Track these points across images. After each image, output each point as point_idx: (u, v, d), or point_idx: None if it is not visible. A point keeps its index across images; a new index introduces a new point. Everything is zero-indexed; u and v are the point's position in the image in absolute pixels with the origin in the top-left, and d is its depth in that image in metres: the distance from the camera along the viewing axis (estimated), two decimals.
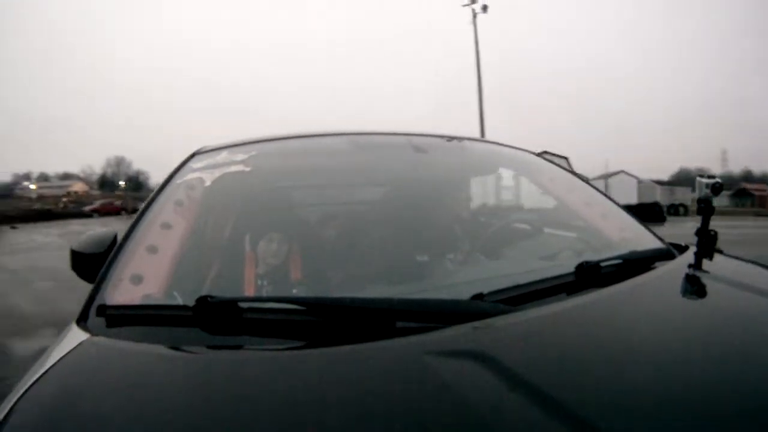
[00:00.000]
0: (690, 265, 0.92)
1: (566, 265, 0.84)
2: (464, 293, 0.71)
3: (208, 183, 1.05)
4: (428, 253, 1.00)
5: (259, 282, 0.98)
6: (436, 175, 1.27)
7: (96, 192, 49.65)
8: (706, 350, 0.61)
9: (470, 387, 0.50)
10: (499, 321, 0.64)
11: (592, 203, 1.26)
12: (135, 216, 0.97)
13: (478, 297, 0.70)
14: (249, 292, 0.95)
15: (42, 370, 0.60)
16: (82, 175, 58.88)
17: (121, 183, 50.07)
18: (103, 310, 0.71)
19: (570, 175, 1.39)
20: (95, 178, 58.22)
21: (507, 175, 1.49)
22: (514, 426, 0.45)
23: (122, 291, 0.77)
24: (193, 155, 1.19)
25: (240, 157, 1.13)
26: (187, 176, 1.08)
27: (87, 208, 28.73)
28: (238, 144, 1.23)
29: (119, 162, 57.09)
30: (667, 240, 1.12)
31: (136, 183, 53.17)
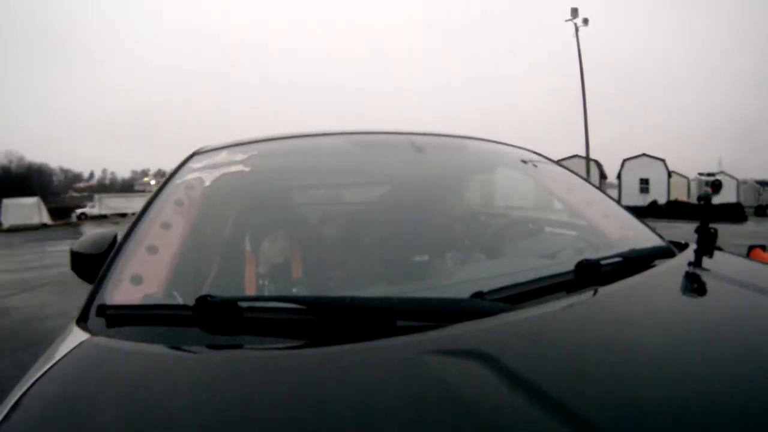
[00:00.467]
0: (690, 263, 0.92)
1: (566, 263, 0.83)
2: (464, 292, 0.71)
3: (207, 183, 1.05)
4: (428, 252, 1.00)
5: (259, 281, 0.98)
6: (436, 174, 1.26)
7: None
8: (707, 348, 0.61)
9: (470, 385, 0.50)
10: (500, 319, 0.64)
11: (592, 202, 1.26)
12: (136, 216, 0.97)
13: (478, 295, 0.69)
14: (249, 291, 0.95)
15: (42, 371, 0.60)
16: None
17: None
18: (103, 310, 0.70)
19: (571, 174, 1.39)
20: None
21: (507, 174, 1.49)
22: (514, 424, 0.45)
23: (122, 291, 0.77)
24: (192, 155, 1.19)
25: (239, 156, 1.13)
26: (187, 176, 1.08)
27: None
28: (237, 144, 1.23)
29: None
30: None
31: None
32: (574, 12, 18.52)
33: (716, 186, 1.05)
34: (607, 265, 0.83)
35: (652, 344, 0.61)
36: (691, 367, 0.55)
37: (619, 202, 1.32)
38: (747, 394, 0.50)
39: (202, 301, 0.64)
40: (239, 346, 0.65)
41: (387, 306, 0.66)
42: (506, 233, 1.18)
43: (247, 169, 1.10)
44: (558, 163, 1.44)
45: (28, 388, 0.56)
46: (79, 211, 29.81)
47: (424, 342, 0.59)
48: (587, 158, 18.35)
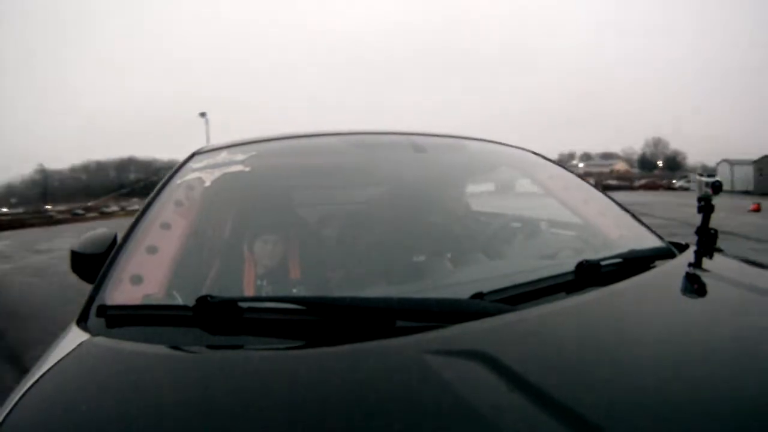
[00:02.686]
0: (690, 264, 0.92)
1: (566, 264, 0.83)
2: (464, 292, 0.71)
3: (207, 183, 1.05)
4: (428, 252, 1.00)
5: (259, 282, 0.98)
6: (435, 175, 1.26)
7: (635, 170, 52.86)
8: (706, 349, 0.61)
9: (470, 386, 0.50)
10: (499, 320, 0.64)
11: (592, 202, 1.26)
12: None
13: (478, 296, 0.70)
14: (249, 292, 0.95)
15: (42, 371, 0.60)
16: (622, 154, 61.47)
17: (659, 163, 53.89)
18: (103, 310, 0.70)
19: (570, 174, 1.39)
20: (636, 157, 59.97)
21: (507, 175, 1.49)
22: (513, 425, 0.45)
23: (122, 291, 0.77)
24: (192, 155, 1.19)
25: (240, 157, 1.13)
26: (187, 176, 1.08)
27: (636, 184, 37.36)
28: (237, 144, 1.23)
29: (657, 143, 58.26)
30: None
31: (673, 163, 53.33)
32: None
33: (716, 187, 1.05)
34: (607, 265, 0.83)
35: (652, 345, 0.61)
36: (691, 368, 0.55)
37: None
38: (747, 395, 0.50)
39: (203, 301, 0.64)
40: (239, 347, 0.65)
41: (387, 306, 0.66)
42: (506, 234, 1.18)
43: (247, 169, 1.09)
44: (558, 163, 1.44)
45: (29, 388, 0.56)
46: None
47: (424, 342, 0.59)
48: None
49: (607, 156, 62.47)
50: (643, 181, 37.96)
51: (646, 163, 56.74)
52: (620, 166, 56.26)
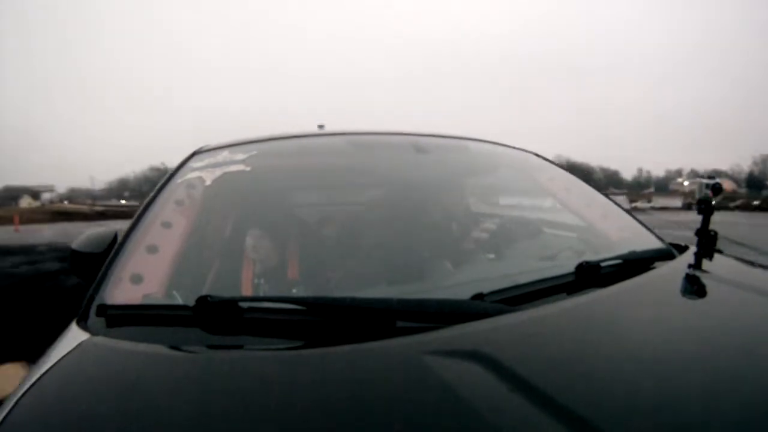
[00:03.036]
0: (690, 265, 0.92)
1: (566, 265, 0.83)
2: (464, 293, 0.71)
3: (208, 182, 1.05)
4: (428, 253, 1.00)
5: (259, 282, 0.98)
6: (436, 175, 1.27)
7: (742, 191, 48.61)
8: (707, 350, 0.61)
9: (470, 387, 0.50)
10: (499, 321, 0.64)
11: (592, 203, 1.26)
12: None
13: (478, 297, 0.69)
14: (249, 291, 0.95)
15: (42, 371, 0.60)
16: (730, 172, 57.28)
17: None
18: (103, 310, 0.70)
19: (570, 176, 1.39)
20: (743, 176, 55.76)
21: (507, 176, 1.49)
22: (514, 426, 0.45)
23: (122, 291, 0.77)
24: (193, 154, 1.19)
25: (240, 156, 1.13)
26: (188, 175, 1.08)
27: (731, 204, 34.25)
28: (238, 143, 1.23)
29: (766, 160, 53.26)
30: None
31: None
32: None
33: (716, 189, 1.06)
34: (607, 267, 0.83)
35: (651, 346, 0.61)
36: (691, 369, 0.55)
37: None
38: (747, 397, 0.50)
39: (203, 301, 0.64)
40: (239, 347, 0.65)
41: (387, 307, 0.66)
42: (506, 235, 1.18)
43: (248, 168, 1.09)
44: (558, 165, 1.44)
45: (29, 388, 0.56)
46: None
47: (424, 343, 0.59)
48: None
49: (715, 174, 60.55)
50: (738, 202, 36.42)
51: (754, 182, 50.83)
52: (727, 185, 52.53)
